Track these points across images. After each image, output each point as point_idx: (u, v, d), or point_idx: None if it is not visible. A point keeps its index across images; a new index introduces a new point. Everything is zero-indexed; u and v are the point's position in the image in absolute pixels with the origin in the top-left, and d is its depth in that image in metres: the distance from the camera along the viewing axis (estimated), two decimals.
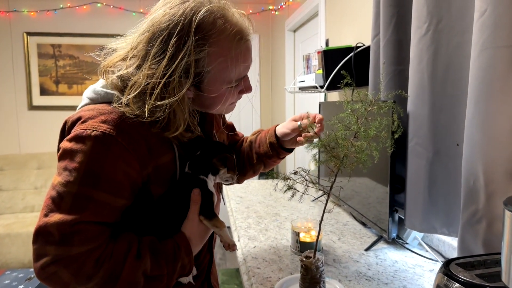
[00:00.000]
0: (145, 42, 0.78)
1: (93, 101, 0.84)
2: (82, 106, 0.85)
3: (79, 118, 0.78)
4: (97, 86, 0.86)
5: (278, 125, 1.13)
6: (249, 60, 0.85)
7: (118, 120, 0.77)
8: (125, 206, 0.79)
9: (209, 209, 0.88)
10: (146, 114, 0.76)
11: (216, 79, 0.81)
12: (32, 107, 4.08)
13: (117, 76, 0.81)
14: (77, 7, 4.01)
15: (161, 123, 0.80)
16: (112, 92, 0.82)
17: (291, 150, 1.15)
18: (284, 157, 1.16)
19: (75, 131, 0.76)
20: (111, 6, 4.02)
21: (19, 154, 3.96)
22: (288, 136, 1.08)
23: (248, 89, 0.89)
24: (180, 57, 0.75)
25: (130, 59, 0.80)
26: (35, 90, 4.07)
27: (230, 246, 0.91)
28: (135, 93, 0.77)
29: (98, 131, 0.75)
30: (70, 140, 0.76)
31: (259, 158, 1.15)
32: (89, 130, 0.75)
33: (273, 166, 1.19)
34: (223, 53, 0.79)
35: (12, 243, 3.19)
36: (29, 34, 3.99)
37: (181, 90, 0.77)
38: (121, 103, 0.79)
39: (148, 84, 0.76)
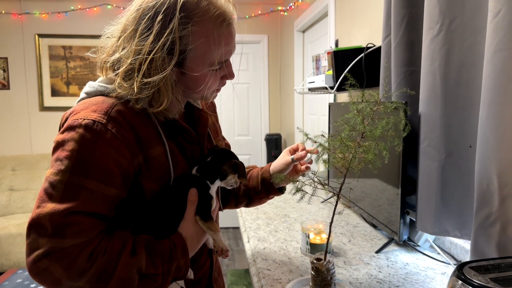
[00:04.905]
0: (134, 22, 0.81)
1: (88, 95, 0.87)
2: (78, 101, 0.87)
3: (72, 112, 0.81)
4: (94, 81, 0.89)
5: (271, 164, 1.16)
6: (231, 44, 0.86)
7: (108, 109, 0.79)
8: (118, 198, 0.79)
9: (206, 211, 0.88)
10: (135, 91, 0.79)
11: (199, 59, 0.83)
12: (43, 108, 4.13)
13: (111, 62, 0.84)
14: (87, 9, 4.06)
15: (146, 100, 0.82)
16: (106, 85, 0.85)
17: (282, 191, 1.16)
18: (273, 197, 1.16)
19: (67, 123, 0.78)
20: (121, 8, 4.05)
21: (30, 155, 4.01)
22: (282, 172, 1.10)
23: (230, 75, 0.91)
24: (166, 33, 0.78)
25: (121, 40, 0.83)
26: (47, 91, 4.12)
27: (223, 252, 0.91)
28: (124, 69, 0.80)
29: (88, 119, 0.76)
30: (62, 132, 0.78)
31: (246, 191, 1.15)
32: (80, 119, 0.77)
33: (257, 205, 1.19)
34: (205, 34, 0.81)
35: (24, 243, 3.23)
36: (40, 36, 4.05)
37: (166, 67, 0.79)
38: (114, 87, 0.82)
39: (136, 60, 0.79)
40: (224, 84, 0.93)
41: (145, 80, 0.79)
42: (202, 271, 0.98)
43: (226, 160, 0.92)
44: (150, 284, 0.78)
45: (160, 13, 0.78)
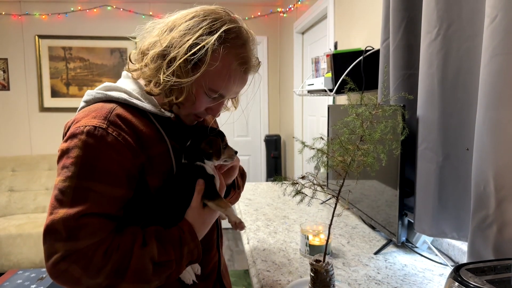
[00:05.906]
0: (182, 19, 0.87)
1: (87, 103, 0.90)
2: (78, 110, 0.90)
3: (73, 121, 0.84)
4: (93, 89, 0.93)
5: None
6: (238, 88, 0.93)
7: (107, 114, 0.83)
8: (125, 198, 0.82)
9: (212, 191, 0.90)
10: (161, 80, 0.83)
11: (207, 78, 0.86)
12: (43, 109, 4.14)
13: (149, 42, 0.87)
14: (87, 10, 4.07)
15: (164, 88, 0.86)
16: (104, 91, 0.88)
17: None
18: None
19: (70, 131, 0.82)
20: (121, 9, 4.06)
21: (30, 155, 4.01)
22: None
23: (216, 111, 0.94)
24: (204, 41, 0.82)
25: (164, 26, 0.88)
26: (47, 92, 4.12)
27: (237, 224, 0.91)
28: (154, 53, 0.84)
29: (89, 126, 0.80)
30: (65, 141, 0.81)
31: None
32: (82, 126, 0.80)
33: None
34: (226, 62, 0.85)
35: (24, 243, 3.24)
36: (40, 37, 4.05)
37: (192, 75, 0.83)
38: (141, 66, 0.88)
39: (168, 49, 0.83)
40: (205, 115, 0.96)
41: (170, 79, 0.82)
42: (211, 264, 1.01)
43: (202, 139, 0.92)
44: (164, 270, 0.81)
45: (208, 23, 0.84)
